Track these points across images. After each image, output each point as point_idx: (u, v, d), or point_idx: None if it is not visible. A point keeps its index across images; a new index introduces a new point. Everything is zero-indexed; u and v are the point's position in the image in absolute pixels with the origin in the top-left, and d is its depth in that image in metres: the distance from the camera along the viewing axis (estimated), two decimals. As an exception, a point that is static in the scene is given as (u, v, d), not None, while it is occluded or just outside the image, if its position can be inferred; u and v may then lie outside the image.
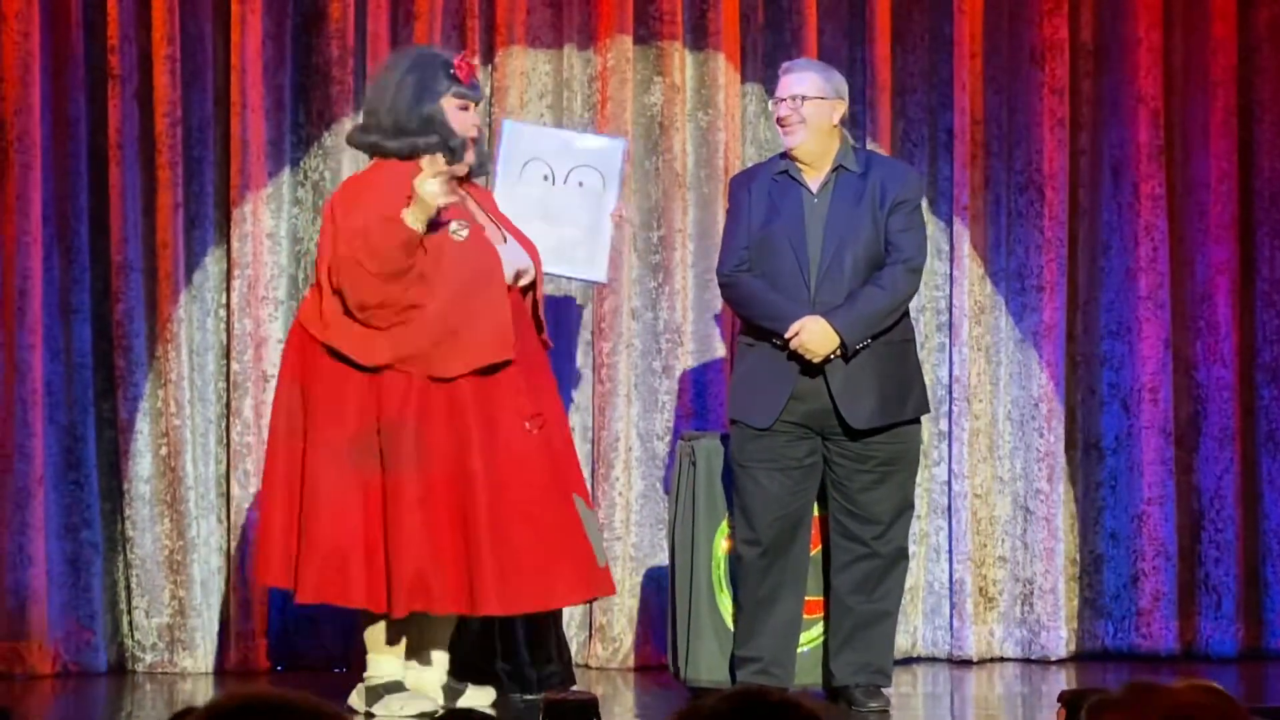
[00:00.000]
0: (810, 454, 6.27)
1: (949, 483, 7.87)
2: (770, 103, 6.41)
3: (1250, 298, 8.00)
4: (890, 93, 7.89)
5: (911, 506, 6.43)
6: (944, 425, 7.91)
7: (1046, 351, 7.92)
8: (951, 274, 7.91)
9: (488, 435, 5.88)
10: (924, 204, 7.91)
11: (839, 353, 6.17)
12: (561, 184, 6.49)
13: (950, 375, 7.89)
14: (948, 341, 7.93)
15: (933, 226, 7.96)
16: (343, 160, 7.65)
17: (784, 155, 6.40)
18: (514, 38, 7.75)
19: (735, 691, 2.81)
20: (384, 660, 6.01)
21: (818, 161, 6.31)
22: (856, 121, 7.91)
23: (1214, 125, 7.96)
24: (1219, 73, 7.96)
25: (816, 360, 6.17)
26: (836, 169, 6.32)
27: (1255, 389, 7.98)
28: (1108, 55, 8.02)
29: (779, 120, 6.32)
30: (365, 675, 6.06)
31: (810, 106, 6.27)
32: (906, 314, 6.38)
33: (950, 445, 7.87)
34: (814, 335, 6.14)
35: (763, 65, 7.88)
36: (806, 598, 6.41)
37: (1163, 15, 7.98)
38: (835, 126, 6.35)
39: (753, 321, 6.30)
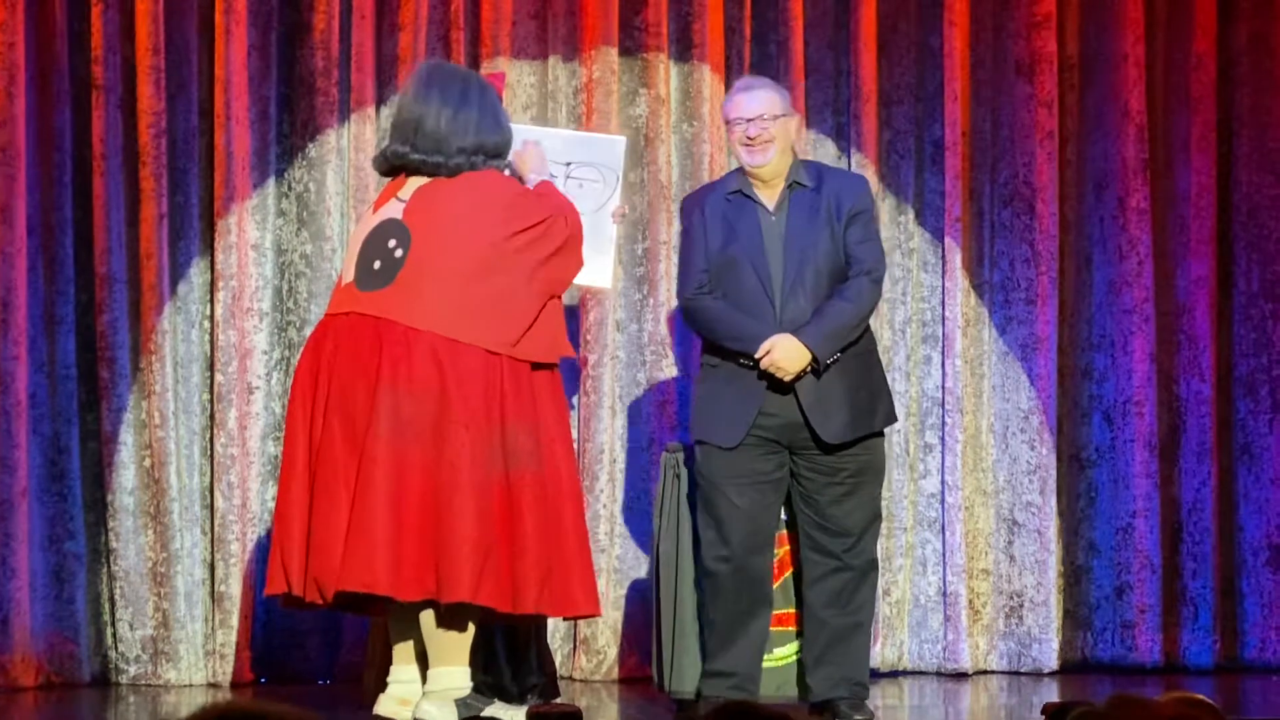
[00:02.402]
0: (778, 468, 6.26)
1: (941, 495, 7.86)
2: (732, 123, 6.34)
3: (1228, 311, 8.02)
4: (876, 104, 7.90)
5: (879, 517, 6.42)
6: (931, 438, 7.90)
7: (1038, 364, 7.92)
8: (943, 286, 7.90)
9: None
10: (912, 215, 7.95)
11: (810, 369, 6.16)
12: (561, 184, 6.39)
13: (943, 388, 7.88)
14: (935, 353, 7.92)
15: (918, 238, 7.96)
16: (327, 171, 7.64)
17: (738, 173, 6.36)
18: (499, 49, 7.74)
19: (726, 705, 2.81)
20: (464, 671, 5.93)
21: (776, 179, 6.29)
22: (842, 133, 7.92)
23: (1194, 140, 7.98)
24: (1200, 88, 7.98)
25: (788, 379, 6.15)
26: (790, 185, 6.30)
27: (1231, 401, 8.00)
28: (1093, 69, 8.03)
29: (750, 139, 6.27)
30: (446, 687, 5.89)
31: (779, 125, 6.26)
32: (868, 324, 6.36)
33: (943, 457, 7.87)
34: (786, 353, 6.12)
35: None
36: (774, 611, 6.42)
37: (1146, 30, 7.99)
38: (792, 143, 6.35)
39: (719, 343, 6.27)
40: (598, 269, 6.37)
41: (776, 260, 6.21)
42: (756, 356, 6.14)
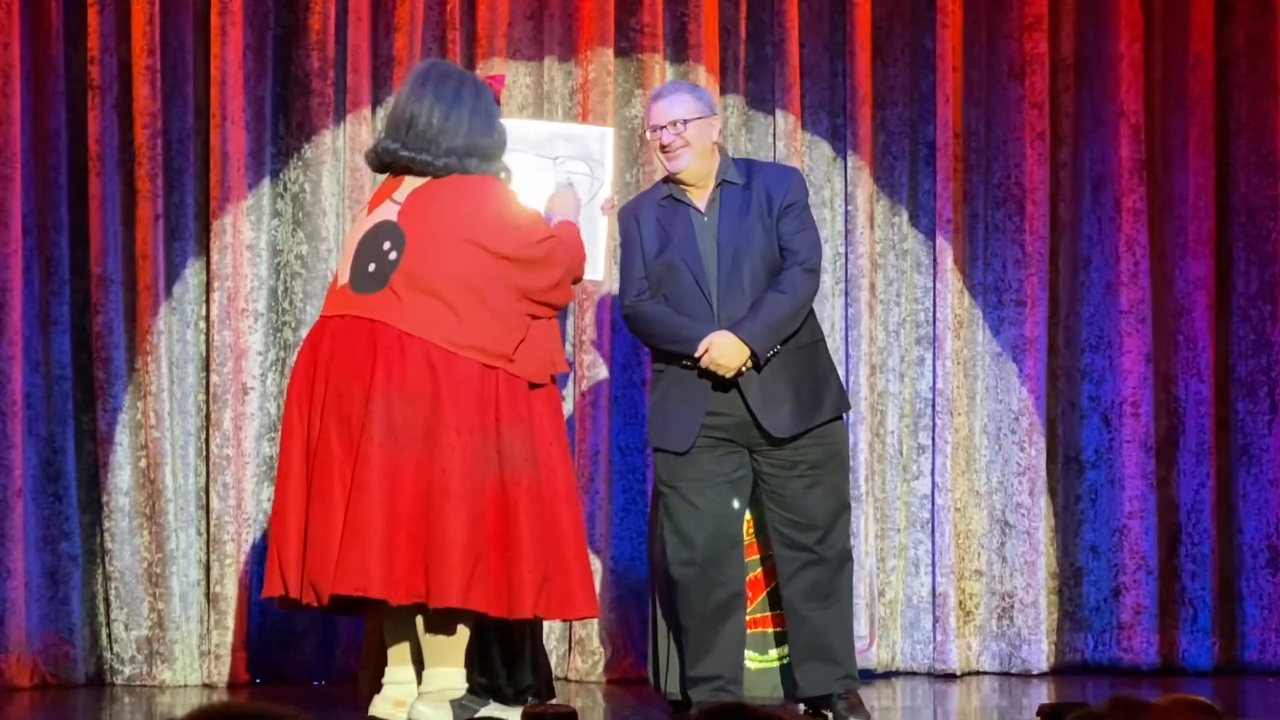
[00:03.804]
0: (738, 468, 6.25)
1: (931, 496, 7.87)
2: (648, 132, 6.32)
3: (1227, 312, 8.03)
4: (871, 106, 7.91)
5: (848, 508, 6.39)
6: (924, 439, 7.91)
7: (1028, 365, 7.93)
8: (934, 287, 7.91)
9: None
10: (906, 217, 7.95)
11: (750, 364, 6.16)
12: (550, 176, 6.38)
13: (933, 389, 7.89)
14: (928, 354, 7.93)
15: (912, 240, 7.97)
16: (323, 172, 7.64)
17: (667, 180, 6.34)
18: (495, 50, 7.74)
19: (720, 707, 2.81)
20: (459, 672, 5.94)
21: (702, 180, 6.28)
22: (837, 134, 7.93)
23: (1192, 141, 7.99)
24: (1198, 89, 8.00)
25: (729, 375, 6.15)
26: (720, 184, 6.29)
27: (1230, 403, 8.01)
28: (1088, 70, 8.04)
29: (663, 147, 6.27)
30: (441, 688, 5.90)
31: (693, 129, 6.24)
32: (812, 314, 6.34)
33: (933, 458, 7.87)
34: (723, 350, 6.12)
35: (744, 78, 7.89)
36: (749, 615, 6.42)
37: (1143, 30, 8.00)
38: (715, 143, 6.32)
39: (660, 346, 6.27)
40: (590, 263, 6.37)
41: (711, 259, 6.21)
42: (695, 356, 6.14)
